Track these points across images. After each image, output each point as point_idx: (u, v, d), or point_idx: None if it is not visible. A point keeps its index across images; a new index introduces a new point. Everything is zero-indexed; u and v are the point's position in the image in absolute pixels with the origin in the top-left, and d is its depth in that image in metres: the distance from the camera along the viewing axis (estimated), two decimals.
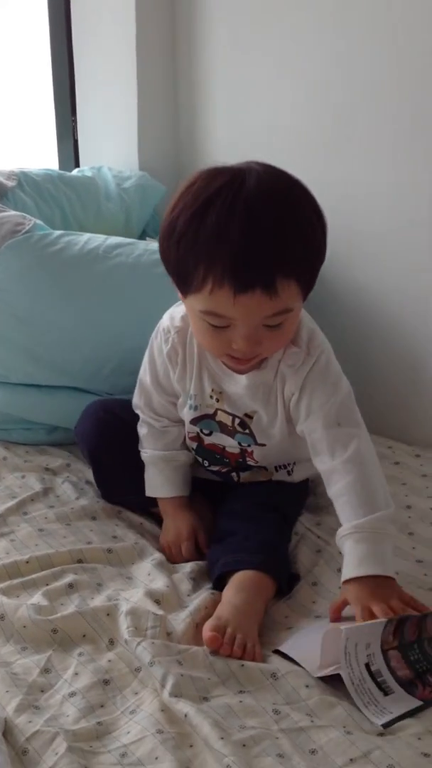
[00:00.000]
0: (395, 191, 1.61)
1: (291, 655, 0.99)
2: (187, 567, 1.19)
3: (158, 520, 1.31)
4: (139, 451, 1.31)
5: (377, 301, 1.70)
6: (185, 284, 1.04)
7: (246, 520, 1.21)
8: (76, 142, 2.16)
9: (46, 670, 0.97)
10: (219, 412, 1.22)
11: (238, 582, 1.09)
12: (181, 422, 1.28)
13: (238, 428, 1.22)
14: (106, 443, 1.33)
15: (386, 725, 0.88)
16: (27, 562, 1.16)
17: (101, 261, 1.51)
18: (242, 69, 1.85)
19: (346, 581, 1.05)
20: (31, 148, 2.22)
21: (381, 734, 0.86)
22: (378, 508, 1.08)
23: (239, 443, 1.23)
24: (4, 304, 1.51)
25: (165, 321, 1.23)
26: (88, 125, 2.13)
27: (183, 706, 0.89)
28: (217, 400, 1.21)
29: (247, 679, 0.95)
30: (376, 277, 1.69)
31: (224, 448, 1.25)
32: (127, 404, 1.32)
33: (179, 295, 1.10)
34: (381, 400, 1.71)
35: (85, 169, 1.99)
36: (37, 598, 1.08)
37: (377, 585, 1.03)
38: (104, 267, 1.51)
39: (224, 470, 1.29)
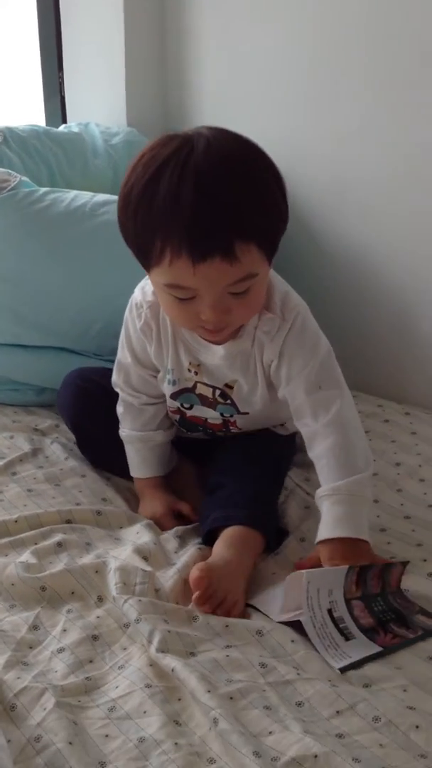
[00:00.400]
0: (386, 143, 1.59)
1: (254, 603, 1.01)
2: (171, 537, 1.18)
3: None
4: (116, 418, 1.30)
5: (367, 255, 1.69)
6: (146, 258, 1.01)
7: (236, 472, 1.21)
8: (63, 98, 2.13)
9: (34, 627, 0.98)
10: (198, 384, 1.20)
11: (227, 537, 1.10)
12: (159, 399, 1.26)
13: (219, 399, 1.21)
14: (87, 412, 1.33)
15: (344, 669, 0.90)
16: (15, 521, 1.16)
17: (88, 218, 1.49)
18: (231, 21, 1.81)
19: (321, 542, 1.06)
20: (18, 105, 2.18)
21: (366, 685, 0.87)
22: (357, 470, 1.08)
23: (221, 414, 1.23)
24: None
25: (137, 295, 1.20)
26: (75, 81, 2.09)
27: (170, 661, 0.89)
28: (196, 373, 1.19)
29: (233, 636, 0.95)
30: (365, 231, 1.68)
31: (206, 420, 1.25)
32: (107, 372, 1.30)
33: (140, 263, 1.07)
34: (371, 359, 1.71)
35: (72, 125, 1.95)
36: (26, 556, 1.08)
37: (351, 547, 1.04)
38: (91, 225, 1.49)
39: (208, 434, 1.29)
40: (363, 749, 0.79)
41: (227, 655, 0.91)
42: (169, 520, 1.22)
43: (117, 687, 0.88)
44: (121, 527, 1.19)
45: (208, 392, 1.21)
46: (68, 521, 1.18)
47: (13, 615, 0.99)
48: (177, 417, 1.27)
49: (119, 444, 1.29)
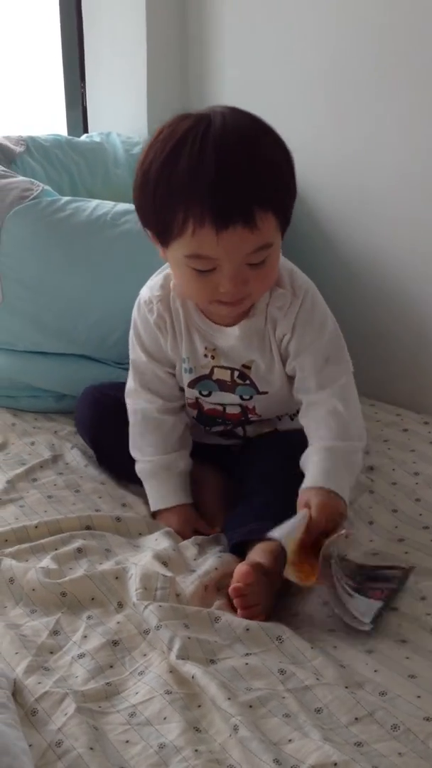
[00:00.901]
0: (405, 149, 1.60)
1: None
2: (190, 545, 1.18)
3: None
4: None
5: (385, 263, 1.69)
6: (166, 232, 1.05)
7: (270, 479, 1.19)
8: (84, 108, 2.15)
9: (55, 632, 0.98)
10: (215, 369, 1.22)
11: (267, 550, 1.08)
12: (176, 401, 1.26)
13: (238, 380, 1.22)
14: (105, 426, 1.33)
15: (373, 621, 0.96)
16: (36, 527, 1.17)
17: (109, 228, 1.50)
18: (252, 31, 1.82)
19: (304, 490, 1.09)
20: (40, 114, 2.20)
21: (382, 693, 0.87)
22: (352, 439, 1.14)
23: (240, 397, 1.23)
24: (11, 270, 1.51)
25: (144, 294, 1.23)
26: (97, 91, 2.11)
27: (190, 668, 0.90)
28: (212, 357, 1.21)
29: (253, 642, 0.96)
30: (383, 238, 1.67)
31: (225, 409, 1.25)
32: (123, 385, 1.30)
33: (160, 250, 1.10)
34: (390, 368, 1.71)
35: (93, 134, 1.97)
36: (46, 561, 1.09)
37: (331, 499, 1.07)
38: (112, 233, 1.50)
39: (228, 428, 1.29)
40: (382, 758, 0.79)
41: (246, 663, 0.92)
42: (188, 530, 1.22)
43: (137, 693, 0.89)
44: (140, 533, 1.19)
45: (226, 375, 1.22)
46: (88, 527, 1.19)
47: (33, 620, 1.00)
48: (195, 413, 1.27)
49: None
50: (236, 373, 1.21)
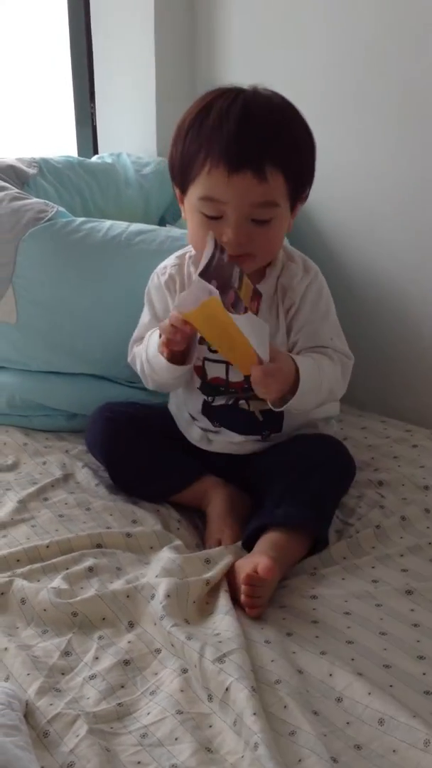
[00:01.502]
0: (416, 178, 1.60)
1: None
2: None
3: (175, 506, 1.32)
4: (151, 445, 1.32)
5: (395, 285, 1.69)
6: (188, 174, 1.17)
7: (279, 473, 1.22)
8: (94, 127, 2.17)
9: (66, 653, 0.98)
10: None
11: (274, 540, 1.12)
12: None
13: None
14: (118, 443, 1.34)
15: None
16: (47, 546, 1.17)
17: (123, 248, 1.52)
18: (262, 54, 1.84)
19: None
20: (51, 135, 2.23)
21: (381, 721, 0.86)
22: (331, 384, 1.23)
23: None
24: (26, 291, 1.52)
25: (159, 266, 1.34)
26: (107, 111, 2.13)
27: (226, 677, 0.89)
28: None
29: (282, 670, 0.93)
30: (392, 262, 1.68)
31: (228, 377, 1.27)
32: (131, 403, 1.33)
33: (180, 199, 1.23)
34: (399, 384, 1.72)
35: (104, 155, 1.99)
36: (58, 581, 1.09)
37: (289, 369, 1.14)
38: (126, 254, 1.51)
39: (230, 401, 1.29)
40: None
41: (277, 681, 0.91)
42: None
43: (149, 713, 0.89)
44: (151, 547, 1.19)
45: None
46: (98, 545, 1.19)
47: (45, 641, 1.01)
48: (199, 382, 1.29)
49: (153, 471, 1.31)
50: None
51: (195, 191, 1.17)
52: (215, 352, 1.25)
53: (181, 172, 1.19)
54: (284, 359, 1.14)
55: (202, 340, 1.24)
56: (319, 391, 1.20)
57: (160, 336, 1.19)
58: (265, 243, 1.19)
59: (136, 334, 1.36)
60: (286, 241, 1.34)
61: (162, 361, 1.21)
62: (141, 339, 1.33)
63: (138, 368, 1.33)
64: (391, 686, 0.90)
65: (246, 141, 1.12)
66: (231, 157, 1.12)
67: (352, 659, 0.95)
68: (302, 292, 1.25)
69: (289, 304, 1.25)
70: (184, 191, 1.20)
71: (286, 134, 1.15)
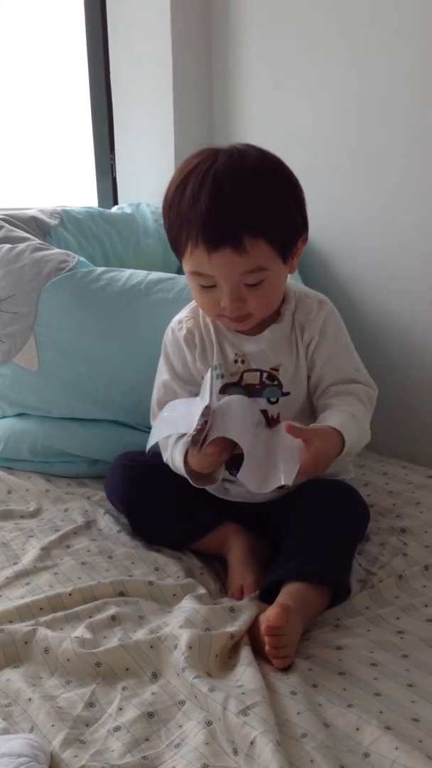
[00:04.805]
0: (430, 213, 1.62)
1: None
2: (225, 601, 1.18)
3: (196, 554, 1.32)
4: (170, 492, 1.31)
5: (411, 326, 1.70)
6: (176, 249, 1.20)
7: (297, 522, 1.21)
8: (114, 179, 2.21)
9: (90, 704, 0.98)
10: (245, 374, 1.28)
11: (291, 594, 1.10)
12: None
13: (267, 381, 1.27)
14: (138, 488, 1.34)
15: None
16: (70, 594, 1.17)
17: (143, 296, 1.54)
18: (277, 102, 1.88)
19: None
20: (72, 186, 2.27)
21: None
22: (364, 424, 1.22)
23: (268, 400, 1.27)
24: (49, 340, 1.55)
25: (174, 320, 1.35)
26: (127, 163, 2.18)
27: (250, 731, 0.88)
28: (242, 362, 1.28)
29: (307, 721, 0.92)
30: (408, 301, 1.70)
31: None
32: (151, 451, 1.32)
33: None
34: (419, 431, 1.71)
35: (124, 206, 2.03)
36: (81, 630, 1.09)
37: (331, 441, 1.14)
38: (146, 302, 1.53)
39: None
40: None
41: (303, 735, 0.90)
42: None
43: (174, 767, 0.87)
44: (174, 595, 1.19)
45: (255, 379, 1.27)
46: (121, 593, 1.19)
47: (69, 692, 1.00)
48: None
49: (173, 520, 1.31)
50: (265, 375, 1.27)
51: (186, 265, 1.20)
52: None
53: (172, 246, 1.22)
54: (324, 436, 1.13)
55: (222, 390, 1.26)
56: (358, 442, 1.20)
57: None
58: (261, 302, 1.21)
59: (157, 395, 1.35)
60: (297, 277, 1.36)
61: (185, 473, 1.23)
62: (163, 402, 1.31)
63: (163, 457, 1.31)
64: (420, 741, 0.88)
65: (220, 219, 1.12)
66: (208, 237, 1.13)
67: (381, 712, 0.94)
68: (320, 326, 1.27)
69: (309, 338, 1.27)
70: (179, 259, 1.23)
71: (262, 200, 1.14)
